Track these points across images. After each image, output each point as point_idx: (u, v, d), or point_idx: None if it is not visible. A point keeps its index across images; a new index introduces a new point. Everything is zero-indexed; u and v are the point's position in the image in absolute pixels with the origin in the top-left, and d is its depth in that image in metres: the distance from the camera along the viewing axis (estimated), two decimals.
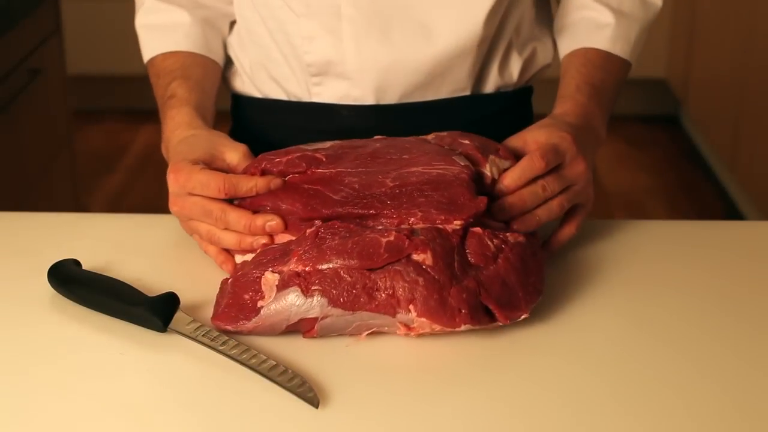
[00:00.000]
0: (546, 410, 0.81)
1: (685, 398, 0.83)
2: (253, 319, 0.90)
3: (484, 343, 0.90)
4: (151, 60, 1.24)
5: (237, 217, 0.99)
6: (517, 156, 1.04)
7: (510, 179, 1.01)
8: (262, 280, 0.91)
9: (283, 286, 0.90)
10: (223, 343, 0.88)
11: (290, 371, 0.84)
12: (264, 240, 0.99)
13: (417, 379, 0.85)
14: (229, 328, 0.90)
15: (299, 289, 0.89)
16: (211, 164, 1.04)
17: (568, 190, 1.04)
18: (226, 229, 1.00)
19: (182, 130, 1.11)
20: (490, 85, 1.22)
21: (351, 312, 0.89)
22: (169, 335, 0.90)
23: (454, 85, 1.19)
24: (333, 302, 0.89)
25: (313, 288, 0.89)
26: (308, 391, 0.82)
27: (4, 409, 0.81)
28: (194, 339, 0.89)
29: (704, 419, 0.80)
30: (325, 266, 0.90)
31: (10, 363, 0.88)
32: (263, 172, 1.01)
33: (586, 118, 1.13)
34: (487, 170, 1.02)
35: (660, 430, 0.79)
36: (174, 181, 1.01)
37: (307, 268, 0.90)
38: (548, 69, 1.28)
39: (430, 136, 1.07)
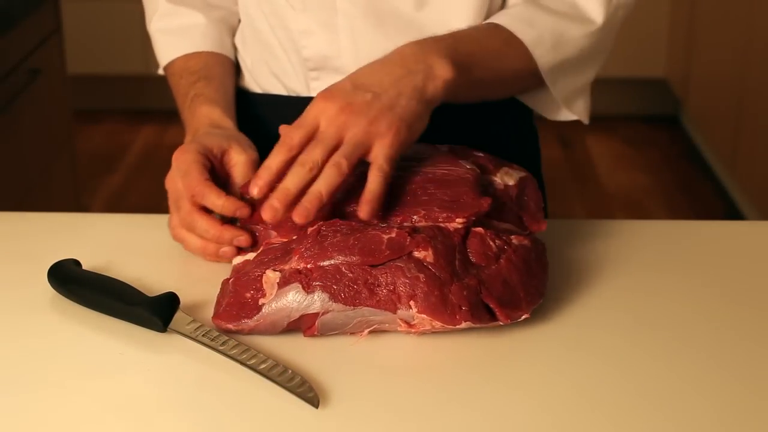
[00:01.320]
0: (547, 409, 0.81)
1: (686, 397, 0.83)
2: (255, 317, 0.90)
3: (484, 343, 0.90)
4: (171, 63, 1.25)
5: (205, 225, 1.01)
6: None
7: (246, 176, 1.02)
8: (264, 278, 0.91)
9: (284, 283, 0.90)
10: (223, 343, 0.88)
11: (290, 371, 0.84)
12: (228, 250, 1.00)
13: (418, 379, 0.86)
14: (230, 326, 0.91)
15: (300, 286, 0.90)
16: (219, 156, 1.05)
17: (341, 149, 0.95)
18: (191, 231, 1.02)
19: (210, 125, 1.13)
20: None
21: (352, 307, 0.89)
22: (169, 335, 0.91)
23: None
24: (334, 297, 0.89)
25: (314, 284, 0.90)
26: (308, 391, 0.82)
27: (4, 409, 0.81)
28: (194, 339, 0.89)
29: (705, 417, 0.80)
30: (326, 263, 0.90)
31: (10, 363, 0.88)
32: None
33: (412, 50, 1.02)
34: (498, 178, 1.02)
35: (662, 427, 0.79)
36: (174, 158, 1.03)
37: (308, 266, 0.90)
38: None
39: (443, 147, 1.07)
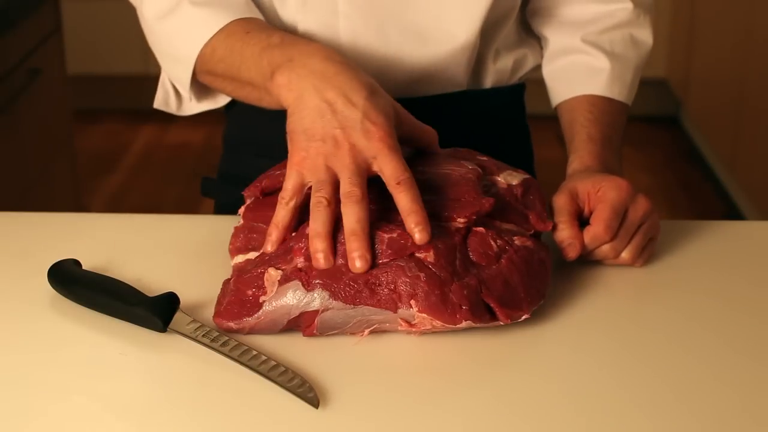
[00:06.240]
0: (549, 409, 0.81)
1: (686, 397, 0.83)
2: (255, 315, 0.90)
3: (485, 343, 0.90)
4: (223, 29, 1.08)
5: (359, 215, 0.90)
6: (567, 211, 1.02)
7: (575, 253, 1.00)
8: (265, 276, 0.91)
9: (285, 281, 0.90)
10: (223, 344, 0.88)
11: (290, 371, 0.84)
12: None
13: (418, 379, 0.85)
14: (231, 325, 0.91)
15: (300, 283, 0.90)
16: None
17: (638, 233, 1.02)
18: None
19: (332, 58, 0.99)
20: (486, 81, 1.23)
21: (352, 306, 0.89)
22: (169, 335, 0.90)
23: (451, 81, 1.20)
24: (334, 295, 0.89)
25: (314, 282, 0.90)
26: (308, 391, 0.82)
27: (4, 409, 0.81)
28: (194, 339, 0.89)
29: (704, 418, 0.80)
30: None
31: (10, 363, 0.88)
32: (263, 191, 1.02)
33: (606, 166, 1.13)
34: (501, 178, 1.02)
35: (663, 428, 0.79)
36: (377, 145, 0.92)
37: (309, 263, 0.91)
38: (538, 70, 1.29)
39: (447, 150, 1.07)
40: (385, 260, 0.90)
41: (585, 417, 0.80)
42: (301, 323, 0.91)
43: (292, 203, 0.94)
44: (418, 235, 0.90)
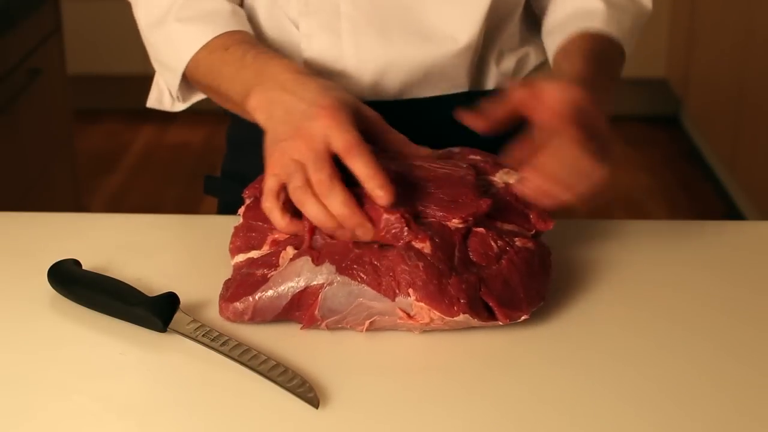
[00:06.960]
0: (549, 408, 0.81)
1: (686, 397, 0.83)
2: (261, 288, 0.91)
3: (485, 342, 0.90)
4: (204, 46, 1.11)
5: (341, 199, 0.92)
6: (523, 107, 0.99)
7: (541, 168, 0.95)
8: (282, 254, 0.94)
9: (296, 257, 0.92)
10: (223, 343, 0.88)
11: (290, 371, 0.84)
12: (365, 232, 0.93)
13: (418, 379, 0.86)
14: (237, 305, 0.91)
15: (310, 259, 0.91)
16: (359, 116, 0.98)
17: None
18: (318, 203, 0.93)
19: (298, 72, 1.02)
20: (488, 82, 1.23)
21: (356, 282, 0.90)
22: (169, 335, 0.91)
23: (453, 82, 1.20)
24: (340, 270, 0.90)
25: (323, 257, 0.91)
26: (308, 391, 0.82)
27: (4, 409, 0.81)
28: (194, 339, 0.89)
29: (704, 418, 0.80)
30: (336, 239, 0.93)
31: (9, 362, 0.88)
32: (262, 191, 1.02)
33: (591, 81, 1.05)
34: (497, 178, 1.02)
35: (663, 428, 0.79)
36: (326, 116, 0.93)
37: (320, 243, 0.93)
38: (542, 67, 1.28)
39: (440, 151, 1.07)
40: (382, 240, 0.92)
41: (586, 415, 0.80)
42: (302, 305, 0.91)
43: (270, 204, 0.96)
44: (382, 196, 0.91)
